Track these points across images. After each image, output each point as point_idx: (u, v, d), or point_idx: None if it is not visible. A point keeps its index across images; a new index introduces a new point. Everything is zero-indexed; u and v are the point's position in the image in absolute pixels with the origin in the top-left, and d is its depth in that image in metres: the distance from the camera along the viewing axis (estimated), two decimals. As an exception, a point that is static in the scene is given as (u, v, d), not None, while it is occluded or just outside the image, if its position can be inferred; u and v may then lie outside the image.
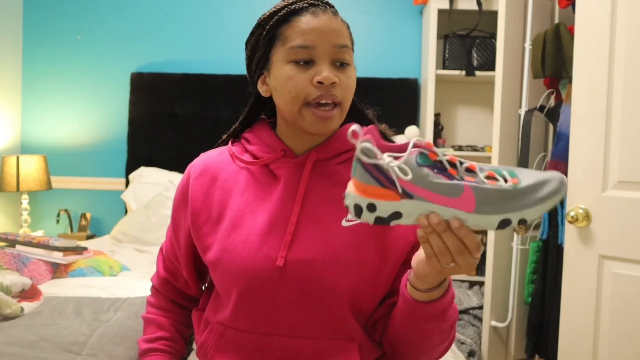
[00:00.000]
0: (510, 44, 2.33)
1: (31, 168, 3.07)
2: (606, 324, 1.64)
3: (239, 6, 3.35)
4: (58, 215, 3.32)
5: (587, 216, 1.66)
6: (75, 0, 3.40)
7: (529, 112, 2.27)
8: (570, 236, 1.72)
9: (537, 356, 2.35)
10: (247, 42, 0.97)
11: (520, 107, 2.35)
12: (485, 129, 3.23)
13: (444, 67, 3.07)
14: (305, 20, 0.88)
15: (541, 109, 2.32)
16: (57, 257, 2.14)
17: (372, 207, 0.70)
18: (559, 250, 2.10)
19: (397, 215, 0.70)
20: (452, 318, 0.87)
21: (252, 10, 3.32)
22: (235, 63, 3.32)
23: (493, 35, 2.87)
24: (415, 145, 0.70)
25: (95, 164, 3.41)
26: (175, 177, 3.08)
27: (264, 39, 0.91)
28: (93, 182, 3.41)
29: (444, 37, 3.07)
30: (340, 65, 0.89)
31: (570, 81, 2.11)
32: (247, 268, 0.88)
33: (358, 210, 0.71)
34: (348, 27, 0.93)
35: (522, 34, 2.37)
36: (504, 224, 0.68)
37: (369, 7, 3.31)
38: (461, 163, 0.70)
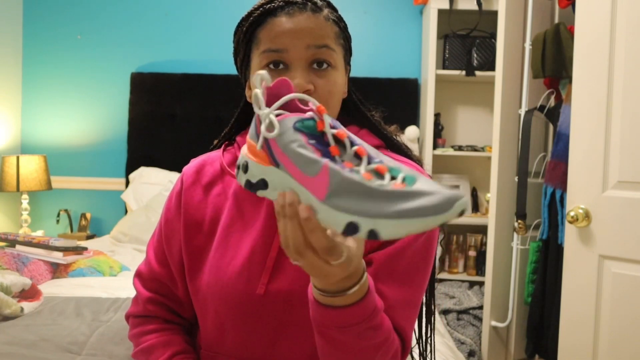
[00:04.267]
0: (510, 44, 2.33)
1: (31, 168, 3.07)
2: (606, 324, 1.64)
3: (239, 6, 3.35)
4: (58, 215, 3.32)
5: (587, 216, 1.66)
6: (75, 0, 3.40)
7: (529, 112, 2.27)
8: (570, 236, 1.72)
9: (537, 356, 2.35)
10: (233, 41, 0.91)
11: (520, 107, 2.35)
12: (485, 129, 3.23)
13: (444, 67, 3.07)
14: (279, 22, 0.80)
15: (541, 109, 2.32)
16: (57, 257, 2.14)
17: (245, 167, 0.62)
18: (559, 250, 2.10)
19: (263, 184, 0.60)
20: (374, 339, 0.71)
21: (252, 10, 3.32)
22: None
23: (493, 35, 2.87)
24: (306, 107, 0.60)
25: (95, 164, 3.41)
26: (175, 177, 3.08)
27: (242, 42, 0.86)
28: (93, 182, 3.41)
29: (444, 37, 3.07)
30: (319, 68, 0.81)
31: (570, 81, 2.11)
32: (229, 295, 0.83)
33: (238, 169, 0.63)
34: (337, 23, 0.84)
35: (522, 34, 2.37)
36: (350, 229, 0.51)
37: (368, 7, 3.31)
38: (352, 144, 0.57)
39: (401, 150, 0.92)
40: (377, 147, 0.89)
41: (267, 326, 0.84)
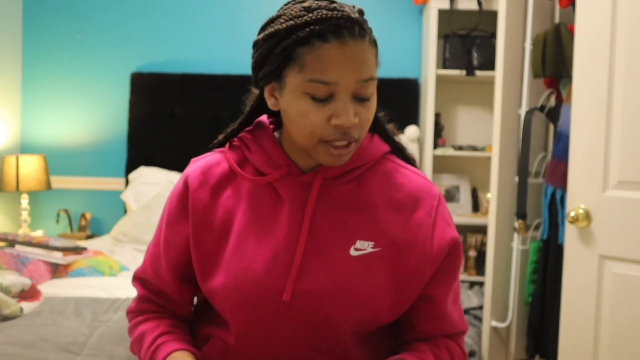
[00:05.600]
0: (510, 44, 2.33)
1: (31, 168, 3.06)
2: (606, 324, 1.64)
3: (239, 6, 3.35)
4: (58, 215, 3.32)
5: (587, 216, 1.65)
6: (75, 0, 3.39)
7: (529, 112, 2.27)
8: (570, 236, 1.71)
9: (537, 356, 2.35)
10: (255, 45, 0.84)
11: (520, 107, 2.35)
12: (485, 129, 3.23)
13: (444, 67, 3.06)
14: (330, 50, 0.76)
15: (541, 109, 2.31)
16: (57, 257, 2.14)
17: None
18: (559, 250, 2.09)
19: None
20: None
21: (253, 10, 3.32)
22: (235, 63, 3.31)
23: (493, 35, 2.86)
24: None
25: (95, 163, 3.41)
26: (175, 177, 3.08)
27: (277, 55, 0.79)
28: (93, 182, 3.41)
29: (444, 36, 3.07)
30: (363, 99, 0.80)
31: (570, 81, 2.10)
32: (250, 300, 0.83)
33: None
34: (375, 44, 0.83)
35: (522, 34, 2.37)
36: None
37: (369, 7, 3.28)
38: None
39: (406, 157, 0.95)
40: (385, 153, 0.92)
41: (290, 331, 0.85)
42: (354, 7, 0.82)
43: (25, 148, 3.41)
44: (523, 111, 2.30)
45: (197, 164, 0.92)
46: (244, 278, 0.83)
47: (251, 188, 0.88)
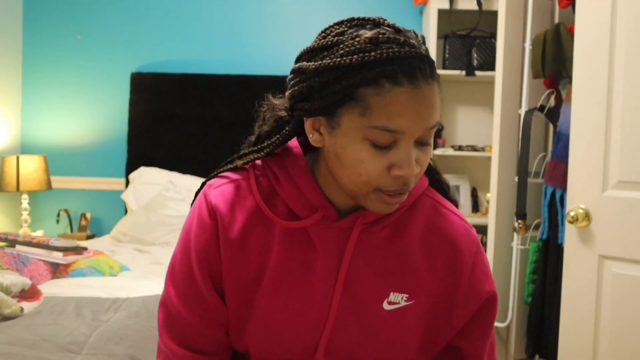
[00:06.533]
0: (510, 44, 2.33)
1: (31, 168, 3.07)
2: (606, 324, 1.64)
3: (239, 6, 3.35)
4: (58, 215, 3.32)
5: (587, 216, 1.65)
6: (75, 1, 3.40)
7: (529, 112, 2.27)
8: (570, 236, 1.72)
9: (537, 356, 2.35)
10: (301, 72, 0.71)
11: (520, 107, 2.35)
12: (485, 129, 3.23)
13: (444, 67, 3.07)
14: (401, 95, 0.65)
15: (541, 109, 2.32)
16: (57, 257, 2.14)
17: None
18: (559, 250, 2.10)
19: None
20: None
21: (253, 10, 3.33)
22: (235, 63, 3.31)
23: (493, 35, 2.86)
24: None
25: (95, 164, 3.41)
26: (175, 177, 3.08)
27: (335, 92, 0.68)
28: (93, 182, 3.41)
29: (444, 37, 3.07)
30: (425, 143, 0.71)
31: (570, 81, 2.11)
32: (279, 353, 0.80)
33: None
34: (438, 81, 0.71)
35: (522, 34, 2.37)
36: None
37: (369, 7, 3.31)
38: None
39: (442, 189, 0.88)
40: (425, 186, 0.85)
41: None
42: (416, 34, 0.71)
43: (25, 148, 3.41)
44: (523, 111, 2.30)
45: (221, 196, 0.81)
46: (275, 330, 0.79)
47: (283, 233, 0.79)
